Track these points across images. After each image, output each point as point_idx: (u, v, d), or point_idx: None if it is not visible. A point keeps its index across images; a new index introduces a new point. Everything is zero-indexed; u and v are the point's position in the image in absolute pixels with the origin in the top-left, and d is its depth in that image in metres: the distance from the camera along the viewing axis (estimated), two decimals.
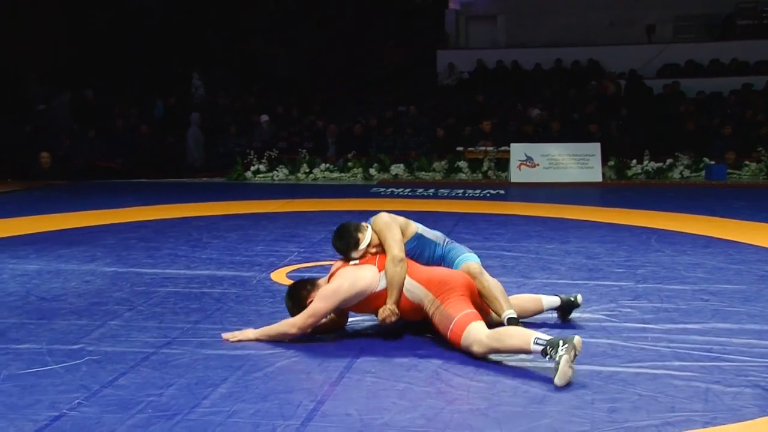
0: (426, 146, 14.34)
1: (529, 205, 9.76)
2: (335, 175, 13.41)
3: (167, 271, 5.82)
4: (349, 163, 13.53)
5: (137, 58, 17.34)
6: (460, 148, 13.57)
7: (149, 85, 16.72)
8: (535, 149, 13.02)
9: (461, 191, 11.40)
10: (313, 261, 6.21)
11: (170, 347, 3.98)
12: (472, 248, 6.10)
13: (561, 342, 3.43)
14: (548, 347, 3.45)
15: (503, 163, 13.21)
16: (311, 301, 4.01)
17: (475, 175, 13.16)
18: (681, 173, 12.89)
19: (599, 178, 12.78)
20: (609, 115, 14.53)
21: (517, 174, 12.86)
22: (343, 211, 8.92)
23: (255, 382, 3.49)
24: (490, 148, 13.38)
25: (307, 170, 13.39)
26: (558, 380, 3.38)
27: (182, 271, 5.80)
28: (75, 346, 3.99)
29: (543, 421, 3.03)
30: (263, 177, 13.39)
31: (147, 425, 3.02)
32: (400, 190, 11.63)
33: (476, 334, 3.72)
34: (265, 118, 15.12)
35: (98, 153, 13.93)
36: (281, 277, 5.62)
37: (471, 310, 3.86)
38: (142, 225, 8.12)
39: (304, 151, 13.77)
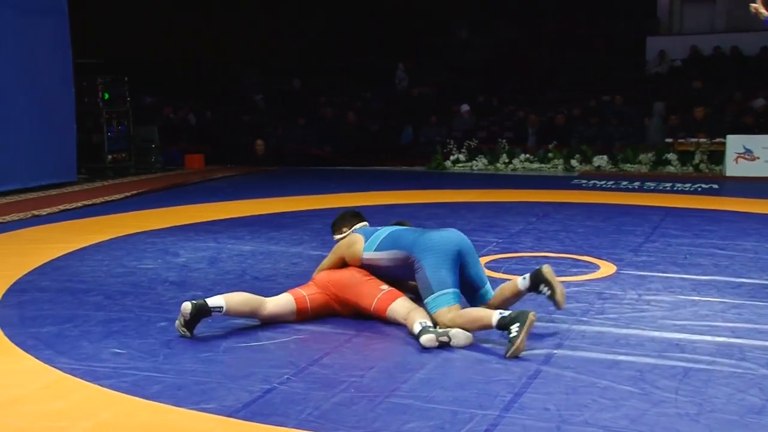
0: (631, 137, 13.72)
1: (746, 201, 9.04)
2: (535, 165, 13.18)
3: None
4: (550, 154, 13.24)
5: (344, 49, 18.06)
6: (669, 140, 12.86)
7: (355, 76, 17.35)
8: (757, 141, 12.03)
9: (669, 185, 10.79)
10: (511, 252, 6.15)
11: (371, 330, 4.12)
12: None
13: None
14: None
15: (717, 156, 12.35)
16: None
17: (685, 168, 12.41)
18: None
19: None
20: None
21: (734, 167, 11.97)
22: (543, 202, 8.76)
23: (453, 370, 3.53)
24: (702, 140, 12.56)
25: (507, 160, 13.27)
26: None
27: None
28: (284, 325, 4.24)
29: None
30: (462, 166, 13.45)
31: (350, 404, 3.15)
32: (603, 182, 11.21)
33: None
34: (465, 107, 15.17)
35: (308, 140, 14.66)
36: None
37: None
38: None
39: (504, 140, 13.67)
